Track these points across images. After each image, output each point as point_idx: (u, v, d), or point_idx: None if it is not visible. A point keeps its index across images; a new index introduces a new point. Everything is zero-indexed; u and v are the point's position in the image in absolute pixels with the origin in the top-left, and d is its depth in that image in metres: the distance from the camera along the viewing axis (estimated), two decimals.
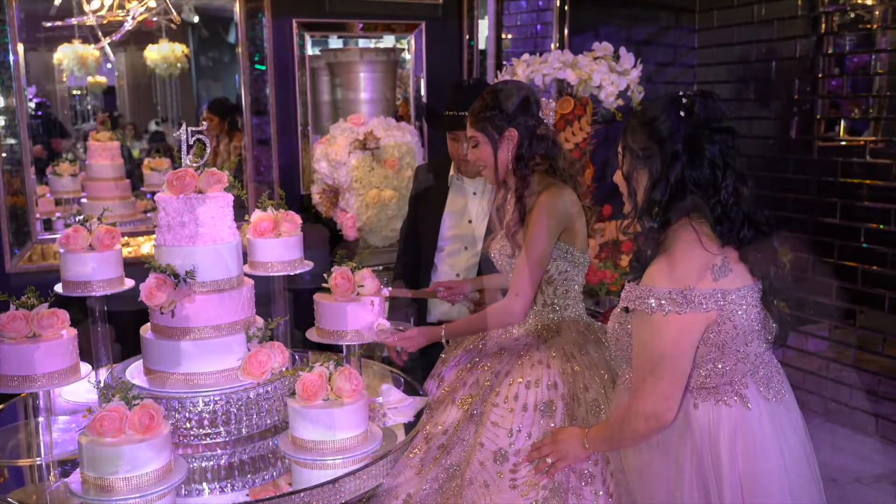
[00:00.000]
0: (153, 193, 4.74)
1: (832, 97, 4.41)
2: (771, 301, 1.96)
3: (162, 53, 4.97)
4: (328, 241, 4.06)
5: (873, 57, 4.23)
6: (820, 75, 4.41)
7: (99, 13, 4.28)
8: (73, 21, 4.29)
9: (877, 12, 4.18)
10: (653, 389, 1.90)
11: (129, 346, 2.99)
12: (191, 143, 2.38)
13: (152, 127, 4.97)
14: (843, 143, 4.31)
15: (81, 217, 2.62)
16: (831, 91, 4.43)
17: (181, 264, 2.30)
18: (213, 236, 2.36)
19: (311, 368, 2.27)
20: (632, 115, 2.04)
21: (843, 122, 4.32)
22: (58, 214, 4.38)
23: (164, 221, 2.34)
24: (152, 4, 4.31)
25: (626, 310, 1.97)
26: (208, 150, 2.40)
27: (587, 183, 3.86)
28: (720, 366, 1.95)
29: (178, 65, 5.12)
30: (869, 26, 4.24)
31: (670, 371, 1.88)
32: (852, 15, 4.31)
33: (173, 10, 3.58)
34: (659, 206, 1.92)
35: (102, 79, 4.64)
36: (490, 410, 2.36)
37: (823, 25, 4.43)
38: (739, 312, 1.90)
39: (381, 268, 3.49)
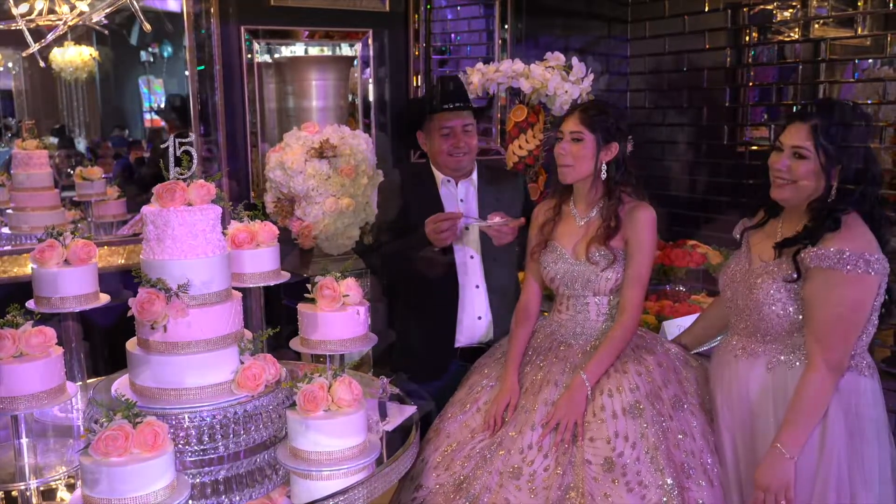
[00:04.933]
0: (79, 204, 4.63)
1: (755, 105, 4.64)
2: None
3: (68, 57, 4.82)
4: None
5: (789, 68, 4.49)
6: (742, 84, 4.65)
7: (28, 17, 4.15)
8: (1, 26, 4.14)
9: (794, 28, 4.45)
10: (842, 340, 2.12)
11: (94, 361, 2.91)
12: (178, 154, 2.34)
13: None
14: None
15: (55, 231, 2.54)
16: (754, 100, 4.68)
17: (171, 278, 2.26)
18: (203, 249, 2.32)
19: (311, 380, 2.28)
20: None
21: (773, 128, 4.55)
22: None
23: (153, 235, 2.29)
24: (84, 8, 4.20)
25: (796, 277, 2.17)
26: (195, 161, 2.37)
27: (541, 189, 3.96)
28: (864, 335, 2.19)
29: (87, 69, 4.97)
30: (783, 38, 4.49)
31: (854, 324, 2.13)
32: (770, 28, 4.58)
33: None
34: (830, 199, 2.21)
35: None
36: (583, 429, 2.43)
37: (746, 38, 4.68)
38: (887, 279, 2.19)
39: (339, 275, 3.45)
